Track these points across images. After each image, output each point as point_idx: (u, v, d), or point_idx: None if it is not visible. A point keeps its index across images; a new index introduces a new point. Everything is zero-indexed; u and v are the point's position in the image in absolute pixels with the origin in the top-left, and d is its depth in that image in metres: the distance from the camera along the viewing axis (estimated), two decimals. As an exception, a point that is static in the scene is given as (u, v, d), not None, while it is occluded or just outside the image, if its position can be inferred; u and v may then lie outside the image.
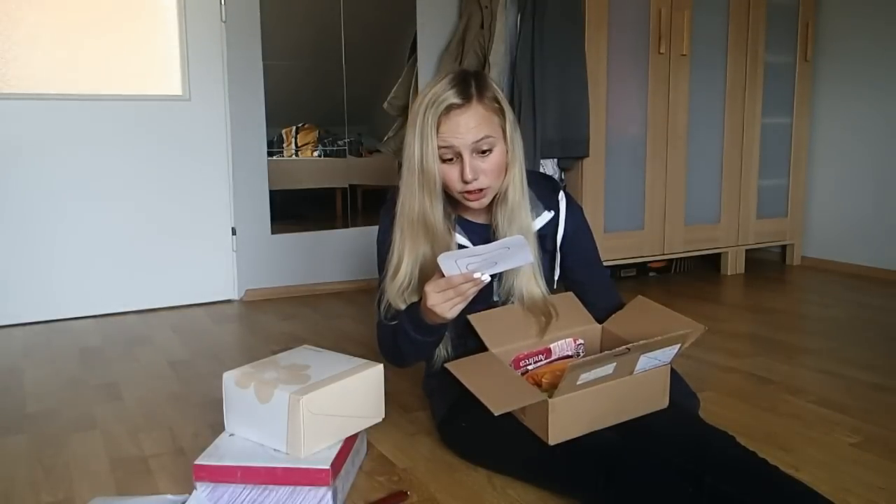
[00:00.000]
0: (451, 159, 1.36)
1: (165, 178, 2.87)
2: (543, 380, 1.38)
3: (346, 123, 3.36)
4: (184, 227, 2.93)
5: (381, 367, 1.41)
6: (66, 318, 2.75)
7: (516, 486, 1.35)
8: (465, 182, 1.36)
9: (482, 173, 1.36)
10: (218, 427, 1.43)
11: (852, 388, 1.90)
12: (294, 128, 3.39)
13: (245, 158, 3.01)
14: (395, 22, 3.40)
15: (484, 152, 1.36)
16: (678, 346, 1.31)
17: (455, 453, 1.49)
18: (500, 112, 1.39)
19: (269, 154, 3.09)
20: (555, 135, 2.89)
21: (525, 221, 1.44)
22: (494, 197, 1.43)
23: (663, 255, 3.30)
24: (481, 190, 1.38)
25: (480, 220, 1.51)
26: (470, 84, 1.36)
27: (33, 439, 1.63)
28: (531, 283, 1.46)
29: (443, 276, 1.26)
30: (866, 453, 1.50)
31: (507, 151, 1.40)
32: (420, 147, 1.33)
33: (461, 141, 1.34)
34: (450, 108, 1.33)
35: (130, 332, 2.59)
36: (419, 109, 1.34)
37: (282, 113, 3.19)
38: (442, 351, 1.48)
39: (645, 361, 1.29)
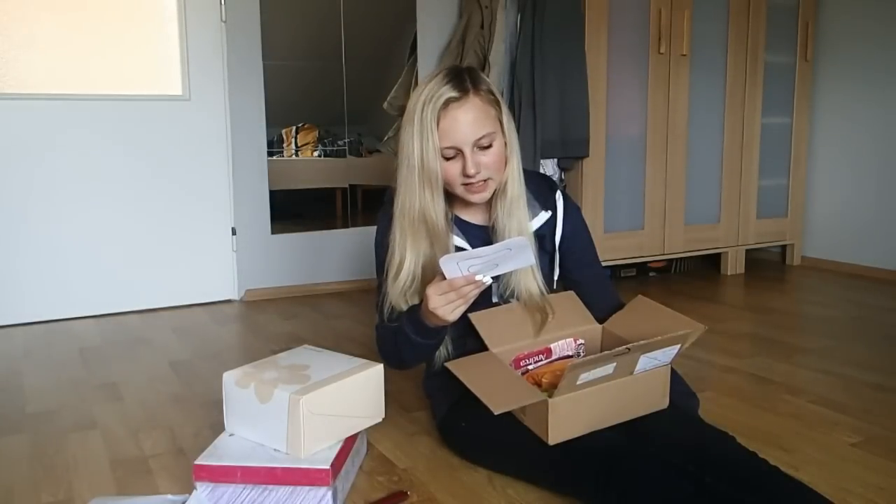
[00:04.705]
0: (452, 157, 1.36)
1: (165, 178, 2.87)
2: (543, 380, 1.38)
3: (346, 123, 3.36)
4: (184, 227, 2.93)
5: (381, 367, 1.41)
6: (66, 318, 2.75)
7: (516, 486, 1.35)
8: (468, 177, 1.36)
9: (484, 167, 1.37)
10: (218, 427, 1.43)
11: (852, 388, 1.90)
12: (294, 128, 3.39)
13: (245, 158, 3.01)
14: (395, 22, 3.40)
15: (485, 147, 1.36)
16: (678, 346, 1.31)
17: (455, 453, 1.49)
18: (496, 104, 1.39)
19: (269, 154, 3.09)
20: (555, 135, 2.89)
21: (523, 215, 1.45)
22: (494, 191, 1.43)
23: (663, 255, 3.30)
24: (484, 182, 1.38)
25: (478, 220, 1.51)
26: (464, 78, 1.36)
27: (33, 439, 1.63)
28: (530, 282, 1.46)
29: (444, 278, 1.26)
30: (866, 453, 1.50)
31: (505, 144, 1.40)
32: (420, 144, 1.33)
33: (462, 138, 1.34)
34: (448, 103, 1.33)
35: (130, 332, 2.59)
36: (416, 107, 1.34)
37: (282, 113, 3.19)
38: (442, 351, 1.48)
39: (645, 361, 1.29)
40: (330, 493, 1.23)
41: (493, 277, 1.28)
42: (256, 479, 1.24)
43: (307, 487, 1.23)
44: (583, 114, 2.90)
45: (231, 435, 1.35)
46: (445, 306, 1.27)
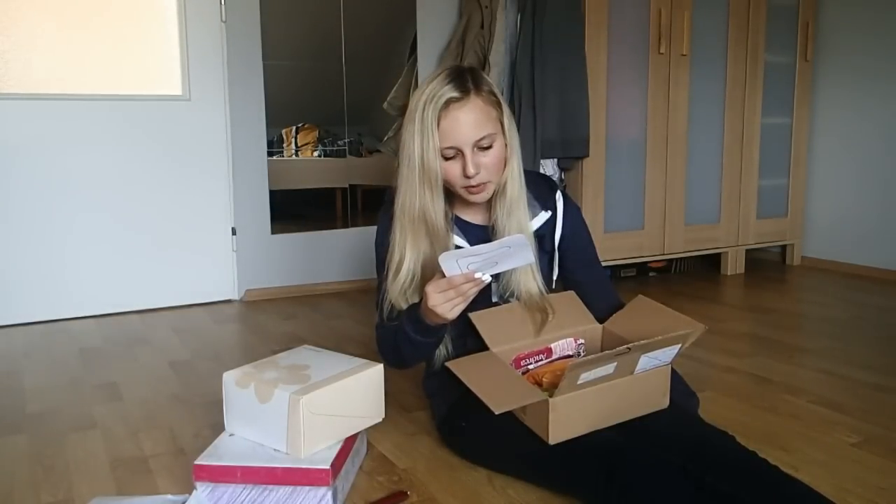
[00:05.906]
0: (452, 157, 1.36)
1: (165, 178, 2.87)
2: (544, 379, 1.38)
3: (346, 123, 3.36)
4: (184, 227, 2.93)
5: (381, 367, 1.41)
6: (66, 318, 2.75)
7: (516, 486, 1.35)
8: (468, 177, 1.36)
9: (484, 168, 1.37)
10: (218, 427, 1.43)
11: (852, 388, 1.90)
12: (294, 128, 3.38)
13: (245, 158, 3.01)
14: (395, 22, 3.40)
15: (485, 148, 1.36)
16: (679, 345, 1.31)
17: (455, 453, 1.49)
18: (498, 105, 1.40)
19: (269, 154, 3.09)
20: (555, 135, 2.89)
21: (523, 215, 1.45)
22: (494, 191, 1.43)
23: (663, 255, 3.30)
24: (483, 184, 1.38)
25: (478, 220, 1.51)
26: (466, 78, 1.36)
27: (33, 439, 1.63)
28: (530, 281, 1.46)
29: (443, 276, 1.26)
30: (866, 453, 1.50)
31: (506, 145, 1.40)
32: (421, 143, 1.33)
33: (463, 138, 1.34)
34: (449, 103, 1.33)
35: (130, 332, 2.59)
36: (417, 106, 1.35)
37: (282, 113, 3.18)
38: (442, 350, 1.48)
39: (645, 361, 1.29)
40: (330, 493, 1.23)
41: (492, 276, 1.28)
42: (256, 479, 1.24)
43: (307, 487, 1.23)
44: (583, 114, 2.91)
45: (231, 435, 1.35)
46: (445, 304, 1.27)
